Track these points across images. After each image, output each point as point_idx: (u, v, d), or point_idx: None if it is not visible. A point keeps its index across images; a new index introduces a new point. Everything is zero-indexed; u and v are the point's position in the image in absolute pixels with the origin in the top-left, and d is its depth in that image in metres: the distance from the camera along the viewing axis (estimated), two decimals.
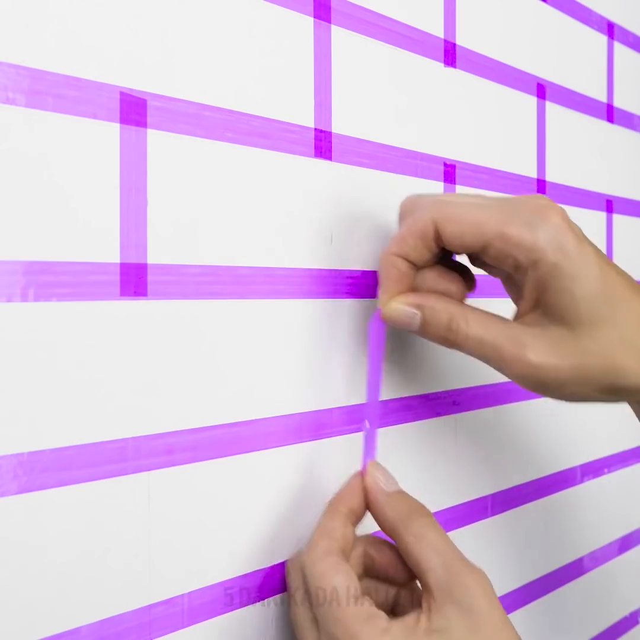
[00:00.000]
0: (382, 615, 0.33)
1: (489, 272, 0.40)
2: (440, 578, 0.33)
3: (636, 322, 0.36)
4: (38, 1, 0.29)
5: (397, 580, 0.37)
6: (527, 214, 0.35)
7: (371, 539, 0.37)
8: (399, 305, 0.37)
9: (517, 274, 0.36)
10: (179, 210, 0.33)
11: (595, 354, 0.35)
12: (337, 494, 0.37)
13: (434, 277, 0.38)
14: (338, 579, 0.33)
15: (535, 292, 0.36)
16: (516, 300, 0.39)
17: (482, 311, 0.37)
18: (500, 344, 0.36)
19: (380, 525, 0.36)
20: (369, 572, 0.37)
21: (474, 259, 0.39)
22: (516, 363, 0.36)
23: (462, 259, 0.40)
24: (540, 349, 0.35)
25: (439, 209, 0.36)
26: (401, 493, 0.37)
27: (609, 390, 0.36)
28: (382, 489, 0.36)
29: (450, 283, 0.38)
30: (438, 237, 0.36)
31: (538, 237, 0.35)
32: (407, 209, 0.38)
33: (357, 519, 0.36)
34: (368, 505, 0.37)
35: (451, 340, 0.37)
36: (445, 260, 0.39)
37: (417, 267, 0.38)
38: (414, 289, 0.38)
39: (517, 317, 0.37)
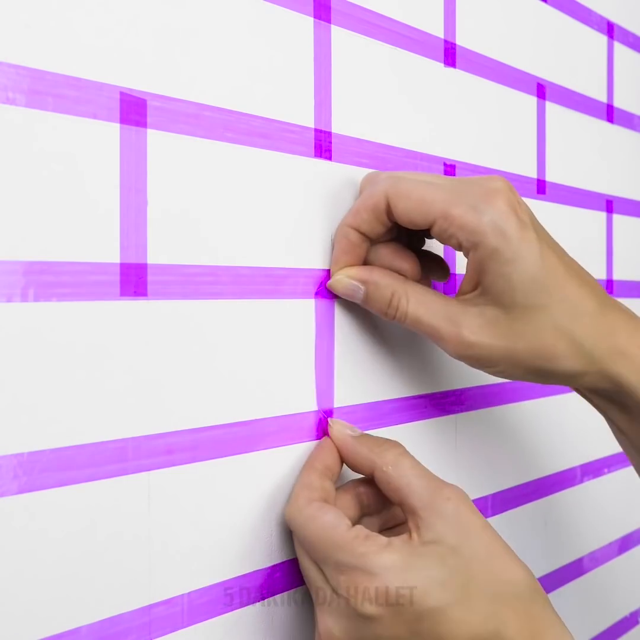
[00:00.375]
0: (379, 535, 0.34)
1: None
2: (423, 498, 0.35)
3: (570, 309, 0.37)
4: (38, 1, 0.29)
5: (387, 508, 0.39)
6: (474, 196, 0.36)
7: (357, 480, 0.38)
8: (344, 278, 0.39)
9: (462, 253, 0.38)
10: (179, 210, 0.33)
11: (526, 338, 0.37)
12: (310, 454, 0.38)
13: (388, 254, 0.39)
14: (328, 517, 0.34)
15: (476, 273, 0.37)
16: None
17: (425, 289, 0.38)
18: (437, 323, 0.37)
19: (356, 467, 0.37)
20: (364, 511, 0.38)
21: (429, 236, 0.40)
22: (452, 341, 0.37)
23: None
24: (475, 328, 0.37)
25: (393, 184, 0.37)
26: (367, 434, 0.38)
27: (539, 373, 0.38)
28: (349, 434, 0.38)
29: (403, 261, 0.39)
30: (390, 212, 0.37)
31: (481, 221, 0.36)
32: (365, 184, 0.40)
33: (334, 474, 0.37)
34: (340, 453, 0.38)
35: (391, 316, 0.38)
36: (415, 242, 0.41)
37: (370, 240, 0.39)
38: (366, 262, 0.39)
39: (459, 294, 0.38)
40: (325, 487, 0.36)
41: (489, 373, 0.39)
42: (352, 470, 0.38)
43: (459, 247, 0.37)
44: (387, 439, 0.37)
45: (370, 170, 0.42)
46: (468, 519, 0.35)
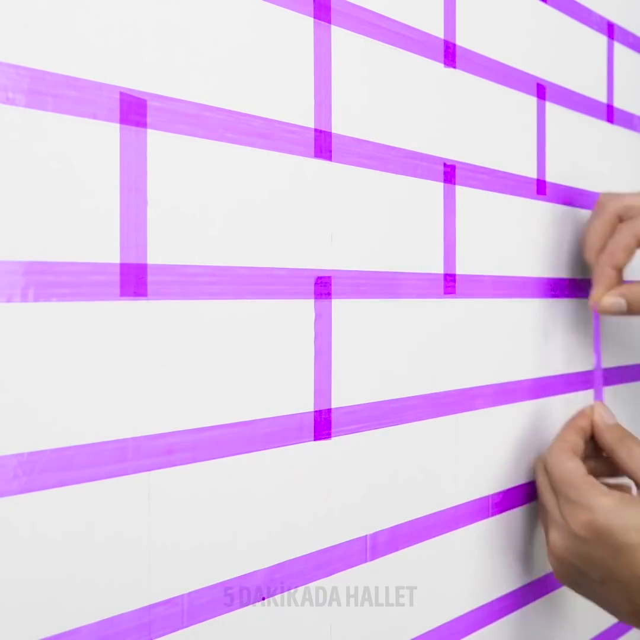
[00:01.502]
0: (602, 484, 0.47)
1: None
2: None
3: None
4: (38, 1, 0.29)
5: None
6: None
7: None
8: (608, 298, 0.53)
9: None
10: (178, 210, 0.33)
11: None
12: (574, 416, 0.53)
13: None
14: (569, 464, 0.48)
15: None
16: None
17: None
18: None
19: (602, 447, 0.52)
20: (587, 454, 0.52)
21: None
22: None
23: None
24: None
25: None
26: (617, 425, 0.52)
27: None
28: (604, 421, 0.52)
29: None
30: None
31: None
32: (612, 213, 0.55)
33: (586, 434, 0.52)
34: (594, 432, 0.52)
35: None
36: None
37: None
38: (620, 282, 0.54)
39: None
40: (576, 441, 0.50)
41: None
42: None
43: None
44: (629, 433, 0.51)
45: (373, 171, 0.42)
46: None
